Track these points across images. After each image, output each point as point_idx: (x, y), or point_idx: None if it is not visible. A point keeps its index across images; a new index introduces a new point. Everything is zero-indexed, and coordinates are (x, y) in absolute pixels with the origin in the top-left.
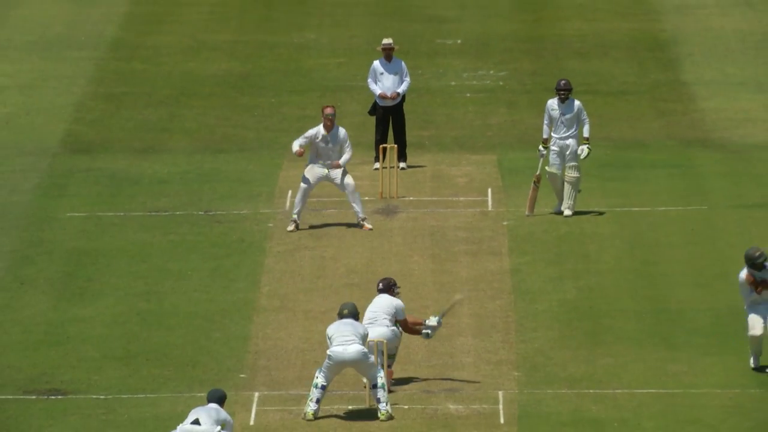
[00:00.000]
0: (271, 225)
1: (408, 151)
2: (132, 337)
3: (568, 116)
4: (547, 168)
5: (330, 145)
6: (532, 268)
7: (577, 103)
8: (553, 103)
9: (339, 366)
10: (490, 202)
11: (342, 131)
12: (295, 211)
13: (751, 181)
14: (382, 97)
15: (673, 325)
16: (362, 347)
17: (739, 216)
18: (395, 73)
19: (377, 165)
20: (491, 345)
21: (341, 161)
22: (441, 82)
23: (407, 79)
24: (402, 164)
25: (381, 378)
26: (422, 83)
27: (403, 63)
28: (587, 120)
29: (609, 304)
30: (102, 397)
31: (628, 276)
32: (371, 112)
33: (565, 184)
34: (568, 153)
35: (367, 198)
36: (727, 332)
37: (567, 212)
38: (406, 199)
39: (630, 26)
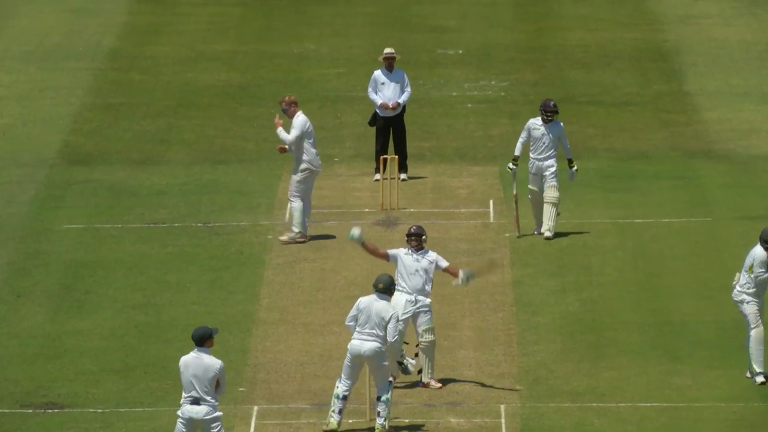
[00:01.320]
0: (270, 237)
1: (409, 162)
2: (130, 349)
3: (551, 137)
4: (529, 187)
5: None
6: (534, 281)
7: (561, 124)
8: (536, 122)
9: (356, 359)
10: (491, 214)
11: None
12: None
13: (755, 192)
14: (383, 107)
15: (676, 338)
16: (380, 346)
17: (743, 227)
18: (397, 83)
19: (378, 176)
20: (493, 358)
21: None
22: (442, 92)
23: (408, 89)
24: (403, 175)
25: (388, 393)
26: (423, 94)
27: (404, 73)
28: (567, 140)
29: (612, 316)
30: (99, 410)
31: (631, 288)
32: (371, 123)
33: (545, 205)
34: (547, 174)
35: (367, 210)
36: (732, 345)
37: (548, 234)
38: (407, 210)
39: (633, 36)
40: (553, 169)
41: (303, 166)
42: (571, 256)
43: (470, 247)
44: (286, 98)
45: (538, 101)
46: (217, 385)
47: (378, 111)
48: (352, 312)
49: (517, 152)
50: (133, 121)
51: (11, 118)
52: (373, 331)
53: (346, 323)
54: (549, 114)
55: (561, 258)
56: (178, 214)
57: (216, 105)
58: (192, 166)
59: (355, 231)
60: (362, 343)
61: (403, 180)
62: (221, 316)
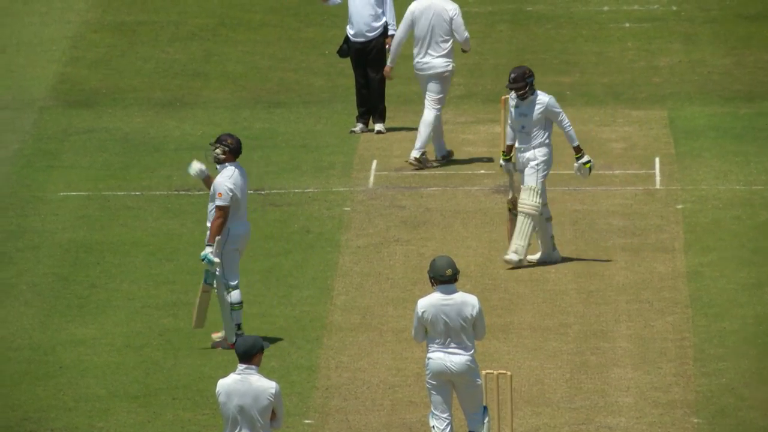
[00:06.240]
0: (348, 209)
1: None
2: (152, 366)
3: (527, 118)
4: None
5: None
6: (718, 271)
7: (543, 99)
8: (512, 96)
9: (440, 378)
10: (657, 178)
11: None
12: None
13: None
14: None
15: None
16: (469, 358)
17: None
18: None
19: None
20: (659, 379)
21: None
22: (588, 6)
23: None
24: (378, 126)
25: (484, 425)
26: (561, 9)
27: None
28: (567, 123)
29: None
30: None
31: None
32: (341, 53)
33: (519, 215)
34: (526, 170)
35: (483, 171)
36: None
37: (511, 256)
38: None
39: None
40: (534, 163)
41: None
42: None
43: (628, 224)
44: None
45: (721, 19)
46: (273, 416)
47: (348, 34)
48: (415, 324)
49: (507, 140)
50: (155, 46)
51: None
52: (461, 338)
53: (419, 340)
54: (516, 89)
55: (757, 239)
56: None
57: (272, 24)
58: (238, 110)
59: (195, 165)
60: (448, 356)
61: (379, 133)
62: (279, 320)
